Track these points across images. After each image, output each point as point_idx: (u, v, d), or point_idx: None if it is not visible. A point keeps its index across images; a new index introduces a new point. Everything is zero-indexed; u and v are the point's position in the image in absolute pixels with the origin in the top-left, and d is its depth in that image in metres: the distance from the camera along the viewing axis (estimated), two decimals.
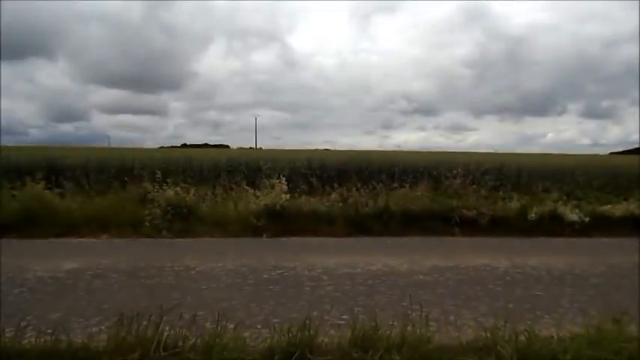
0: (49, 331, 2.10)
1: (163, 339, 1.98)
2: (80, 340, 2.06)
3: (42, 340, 2.04)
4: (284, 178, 6.86)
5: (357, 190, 7.06)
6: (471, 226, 6.25)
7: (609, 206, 7.01)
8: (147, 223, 5.73)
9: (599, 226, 6.41)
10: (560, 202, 6.83)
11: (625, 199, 7.54)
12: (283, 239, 5.64)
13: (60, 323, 2.35)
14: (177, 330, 2.07)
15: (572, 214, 6.43)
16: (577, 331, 2.30)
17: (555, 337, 2.18)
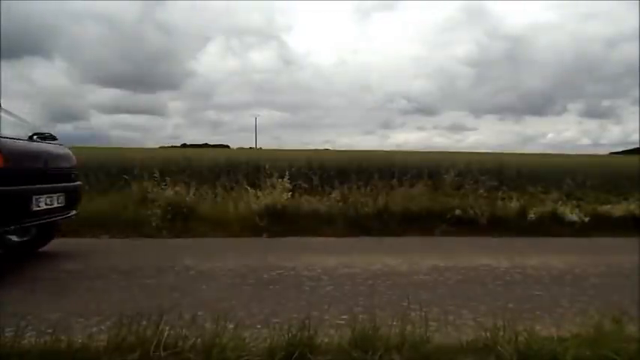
0: (49, 331, 2.10)
1: (163, 339, 1.98)
2: (80, 340, 2.06)
3: (42, 340, 2.04)
4: (287, 178, 6.84)
5: (358, 189, 7.06)
6: (470, 226, 6.25)
7: (609, 206, 7.02)
8: (153, 224, 5.73)
9: (599, 226, 6.40)
10: (559, 202, 6.84)
11: (625, 199, 7.55)
12: (283, 239, 5.63)
13: (60, 323, 2.35)
14: (178, 330, 2.07)
15: (571, 214, 6.43)
16: (577, 331, 2.30)
17: (555, 337, 2.18)
